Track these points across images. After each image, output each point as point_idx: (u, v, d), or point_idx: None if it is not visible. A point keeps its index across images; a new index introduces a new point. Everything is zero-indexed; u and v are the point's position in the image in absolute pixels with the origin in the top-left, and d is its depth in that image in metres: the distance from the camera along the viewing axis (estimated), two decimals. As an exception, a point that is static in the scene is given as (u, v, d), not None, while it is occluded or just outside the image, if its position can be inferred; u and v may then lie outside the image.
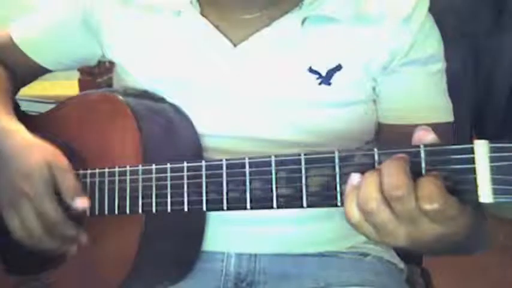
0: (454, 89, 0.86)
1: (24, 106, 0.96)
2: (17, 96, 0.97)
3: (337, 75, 0.80)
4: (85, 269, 0.80)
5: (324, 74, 0.80)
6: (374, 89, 0.83)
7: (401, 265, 0.94)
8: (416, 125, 0.80)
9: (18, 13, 0.99)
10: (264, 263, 0.86)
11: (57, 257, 0.80)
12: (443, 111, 0.84)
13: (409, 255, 0.98)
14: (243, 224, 0.82)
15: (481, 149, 0.50)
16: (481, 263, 1.79)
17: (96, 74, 1.84)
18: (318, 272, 0.86)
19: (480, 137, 0.92)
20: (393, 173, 0.52)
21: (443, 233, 0.54)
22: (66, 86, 1.81)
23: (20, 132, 0.80)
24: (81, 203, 0.74)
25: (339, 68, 0.80)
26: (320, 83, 0.80)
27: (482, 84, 1.29)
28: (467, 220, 0.54)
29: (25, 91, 1.01)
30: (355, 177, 0.55)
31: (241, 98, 0.82)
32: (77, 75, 1.90)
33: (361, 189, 0.54)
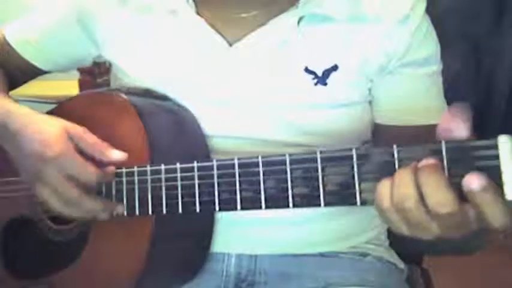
0: (454, 89, 0.86)
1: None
2: (17, 97, 0.96)
3: (333, 76, 0.79)
4: (91, 271, 0.78)
5: (320, 74, 0.79)
6: (370, 89, 0.83)
7: (402, 265, 0.94)
8: (410, 126, 0.82)
9: (16, 13, 0.98)
10: (264, 263, 0.86)
11: (60, 259, 0.80)
12: (438, 113, 0.83)
13: (409, 255, 0.98)
14: (242, 225, 0.82)
15: (505, 144, 0.49)
16: (481, 263, 1.79)
17: (96, 74, 1.85)
18: (318, 272, 0.86)
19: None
20: (430, 172, 0.51)
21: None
22: (66, 86, 1.80)
23: (24, 110, 0.78)
24: (117, 153, 0.72)
25: (335, 68, 0.79)
26: (316, 83, 0.79)
27: (483, 84, 1.29)
28: None
29: (25, 91, 1.00)
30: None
31: (237, 98, 0.81)
32: (77, 75, 1.91)
33: (398, 187, 0.53)
